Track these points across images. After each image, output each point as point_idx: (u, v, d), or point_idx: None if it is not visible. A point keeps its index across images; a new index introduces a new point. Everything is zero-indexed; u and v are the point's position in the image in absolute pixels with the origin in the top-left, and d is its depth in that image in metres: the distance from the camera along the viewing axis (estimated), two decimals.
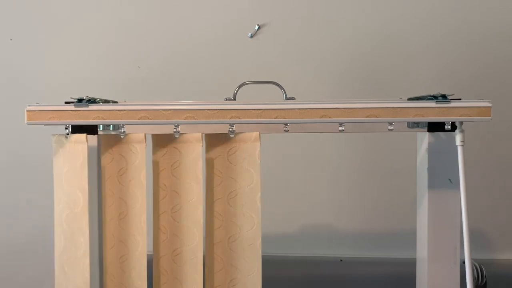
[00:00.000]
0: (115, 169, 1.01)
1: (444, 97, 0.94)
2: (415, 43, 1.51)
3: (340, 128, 0.97)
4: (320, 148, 1.54)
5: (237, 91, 1.05)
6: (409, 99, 1.02)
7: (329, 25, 1.53)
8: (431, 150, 1.01)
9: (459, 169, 0.95)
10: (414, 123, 1.02)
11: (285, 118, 0.94)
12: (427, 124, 1.00)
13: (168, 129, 0.98)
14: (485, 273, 1.40)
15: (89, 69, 1.57)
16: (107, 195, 1.02)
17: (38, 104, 0.95)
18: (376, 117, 0.93)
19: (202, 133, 0.98)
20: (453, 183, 1.00)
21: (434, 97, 0.95)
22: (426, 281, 1.02)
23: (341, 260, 1.51)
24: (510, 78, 1.50)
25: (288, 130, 0.97)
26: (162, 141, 1.00)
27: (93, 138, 1.02)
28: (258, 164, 0.97)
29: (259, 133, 0.98)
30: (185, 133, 0.99)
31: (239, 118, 0.94)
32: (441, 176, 1.01)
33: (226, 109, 0.94)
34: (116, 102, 1.03)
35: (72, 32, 1.58)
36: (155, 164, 1.00)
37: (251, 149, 0.97)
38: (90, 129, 1.00)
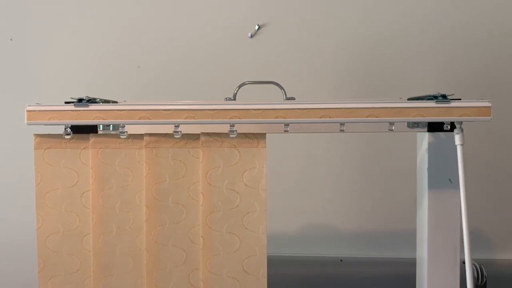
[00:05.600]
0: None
1: (444, 97, 0.94)
2: (415, 43, 1.51)
3: (340, 128, 0.97)
4: (319, 148, 1.54)
5: (237, 91, 1.05)
6: (409, 99, 1.02)
7: (329, 25, 1.53)
8: (431, 150, 1.01)
9: (458, 169, 0.95)
10: (414, 123, 1.02)
11: (285, 118, 0.94)
12: (427, 124, 1.00)
13: (168, 129, 0.98)
14: (485, 273, 1.40)
15: (89, 69, 1.57)
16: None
17: (38, 104, 0.95)
18: (376, 117, 0.93)
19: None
20: (453, 183, 1.00)
21: (434, 97, 0.95)
22: (426, 281, 1.02)
23: (341, 260, 1.51)
24: (510, 78, 1.50)
25: (288, 130, 0.97)
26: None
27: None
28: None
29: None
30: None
31: (239, 118, 0.94)
32: (441, 176, 1.01)
33: (226, 109, 0.94)
34: (116, 102, 1.03)
35: (72, 32, 1.58)
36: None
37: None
38: (90, 129, 1.01)
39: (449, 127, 0.97)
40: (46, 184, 1.00)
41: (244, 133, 0.99)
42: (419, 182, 1.06)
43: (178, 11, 1.56)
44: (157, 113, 0.95)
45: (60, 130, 0.99)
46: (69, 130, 0.98)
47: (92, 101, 0.97)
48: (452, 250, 1.02)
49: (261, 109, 0.94)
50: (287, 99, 1.03)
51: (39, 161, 1.00)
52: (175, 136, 0.99)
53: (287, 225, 1.56)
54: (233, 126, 0.97)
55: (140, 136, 0.99)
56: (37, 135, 1.00)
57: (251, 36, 1.54)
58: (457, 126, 0.95)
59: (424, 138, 1.03)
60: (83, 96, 0.98)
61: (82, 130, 1.00)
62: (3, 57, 1.60)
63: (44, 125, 0.96)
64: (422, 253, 1.05)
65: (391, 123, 0.97)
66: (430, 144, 1.01)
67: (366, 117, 0.93)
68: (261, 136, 0.99)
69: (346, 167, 1.55)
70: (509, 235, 1.53)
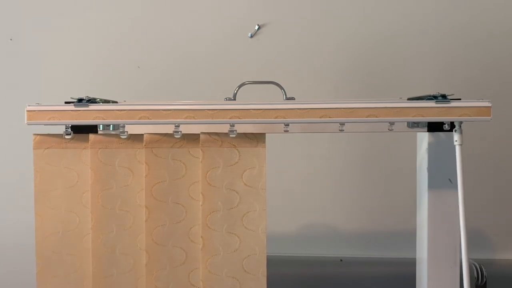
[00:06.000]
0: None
1: (444, 97, 0.94)
2: (415, 43, 1.51)
3: (340, 128, 0.97)
4: (320, 148, 1.54)
5: (237, 91, 1.05)
6: (409, 99, 1.02)
7: (329, 25, 1.53)
8: (431, 150, 1.01)
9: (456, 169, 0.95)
10: (414, 123, 1.02)
11: (285, 118, 0.94)
12: (427, 124, 1.01)
13: (168, 129, 0.98)
14: (485, 273, 1.40)
15: (89, 69, 1.57)
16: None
17: (38, 104, 0.95)
18: (376, 117, 0.93)
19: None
20: (453, 183, 1.00)
21: (434, 97, 0.95)
22: (426, 281, 1.02)
23: (341, 260, 1.51)
24: (510, 78, 1.50)
25: (288, 130, 0.97)
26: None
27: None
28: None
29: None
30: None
31: (239, 118, 0.94)
32: (441, 176, 1.01)
33: (226, 109, 0.94)
34: (116, 102, 1.03)
35: (72, 32, 1.58)
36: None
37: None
38: (90, 129, 1.01)
39: (449, 127, 0.97)
40: (46, 184, 1.00)
41: (244, 133, 0.99)
42: (419, 182, 1.06)
43: (178, 11, 1.56)
44: (157, 113, 0.95)
45: (60, 130, 0.99)
46: (69, 130, 0.98)
47: (92, 101, 0.97)
48: (452, 250, 1.02)
49: (261, 109, 0.94)
50: (287, 99, 1.03)
51: (39, 161, 1.00)
52: (175, 136, 0.99)
53: (287, 225, 1.56)
54: (233, 126, 0.97)
55: (140, 136, 0.99)
56: (36, 135, 1.00)
57: (251, 36, 1.54)
58: (457, 126, 0.95)
59: (424, 138, 1.03)
60: (83, 96, 0.98)
61: (82, 130, 0.99)
62: (3, 57, 1.60)
63: (44, 125, 0.96)
64: (422, 253, 1.05)
65: (391, 123, 0.97)
66: (430, 144, 1.01)
67: (366, 117, 0.93)
68: (260, 136, 0.99)
69: (346, 167, 1.55)
70: (509, 235, 1.53)
